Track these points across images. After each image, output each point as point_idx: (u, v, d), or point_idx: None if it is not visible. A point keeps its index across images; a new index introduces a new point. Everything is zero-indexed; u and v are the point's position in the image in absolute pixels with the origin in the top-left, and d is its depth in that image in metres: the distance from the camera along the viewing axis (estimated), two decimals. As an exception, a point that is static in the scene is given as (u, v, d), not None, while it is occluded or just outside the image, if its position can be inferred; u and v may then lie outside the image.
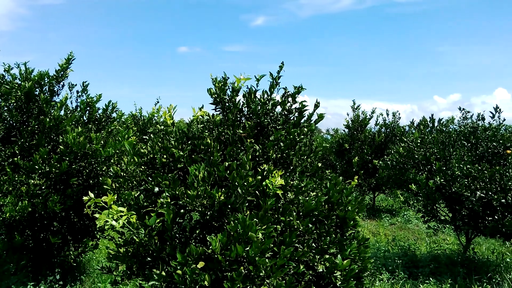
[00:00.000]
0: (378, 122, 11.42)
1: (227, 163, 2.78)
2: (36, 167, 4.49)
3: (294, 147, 3.04)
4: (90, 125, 5.34)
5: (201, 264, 2.47)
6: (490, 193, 5.46)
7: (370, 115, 11.46)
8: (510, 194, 5.35)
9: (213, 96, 3.17)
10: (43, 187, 4.57)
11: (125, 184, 3.52)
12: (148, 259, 2.77)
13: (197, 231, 2.83)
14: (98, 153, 4.82)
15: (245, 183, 2.57)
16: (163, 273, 2.57)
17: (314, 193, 2.94)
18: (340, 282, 2.71)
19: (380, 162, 7.96)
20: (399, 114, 11.14)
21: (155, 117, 10.29)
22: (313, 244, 2.81)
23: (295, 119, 3.13)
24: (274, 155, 2.93)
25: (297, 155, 3.02)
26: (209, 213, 2.67)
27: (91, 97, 5.38)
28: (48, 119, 4.74)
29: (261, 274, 2.43)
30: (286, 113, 3.14)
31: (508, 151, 5.81)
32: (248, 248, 2.41)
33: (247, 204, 2.69)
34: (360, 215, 3.03)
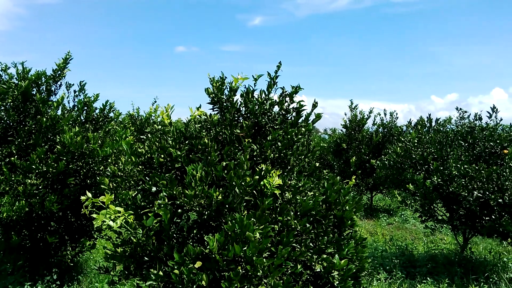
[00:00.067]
0: (375, 122, 11.45)
1: (224, 163, 2.78)
2: (33, 166, 4.47)
3: (292, 147, 3.04)
4: (87, 125, 5.33)
5: (198, 264, 2.47)
6: (487, 193, 5.48)
7: (367, 115, 11.50)
8: (507, 194, 5.36)
9: (211, 95, 3.17)
10: (40, 187, 4.56)
11: (123, 184, 3.52)
12: (146, 259, 2.77)
13: (195, 231, 2.83)
14: (95, 153, 4.81)
15: (243, 183, 2.57)
16: (161, 273, 2.57)
17: (312, 193, 2.94)
18: (337, 282, 2.71)
19: (378, 162, 7.96)
20: (397, 114, 11.18)
21: (152, 117, 10.27)
22: (311, 244, 2.81)
23: (292, 119, 3.13)
24: (272, 154, 2.93)
25: (295, 154, 3.02)
26: (206, 212, 2.67)
27: (88, 97, 5.37)
28: (45, 119, 4.72)
29: (258, 273, 2.43)
30: (283, 112, 3.14)
31: (505, 151, 5.83)
32: (245, 248, 2.41)
33: (244, 203, 2.69)
34: (357, 214, 3.04)
